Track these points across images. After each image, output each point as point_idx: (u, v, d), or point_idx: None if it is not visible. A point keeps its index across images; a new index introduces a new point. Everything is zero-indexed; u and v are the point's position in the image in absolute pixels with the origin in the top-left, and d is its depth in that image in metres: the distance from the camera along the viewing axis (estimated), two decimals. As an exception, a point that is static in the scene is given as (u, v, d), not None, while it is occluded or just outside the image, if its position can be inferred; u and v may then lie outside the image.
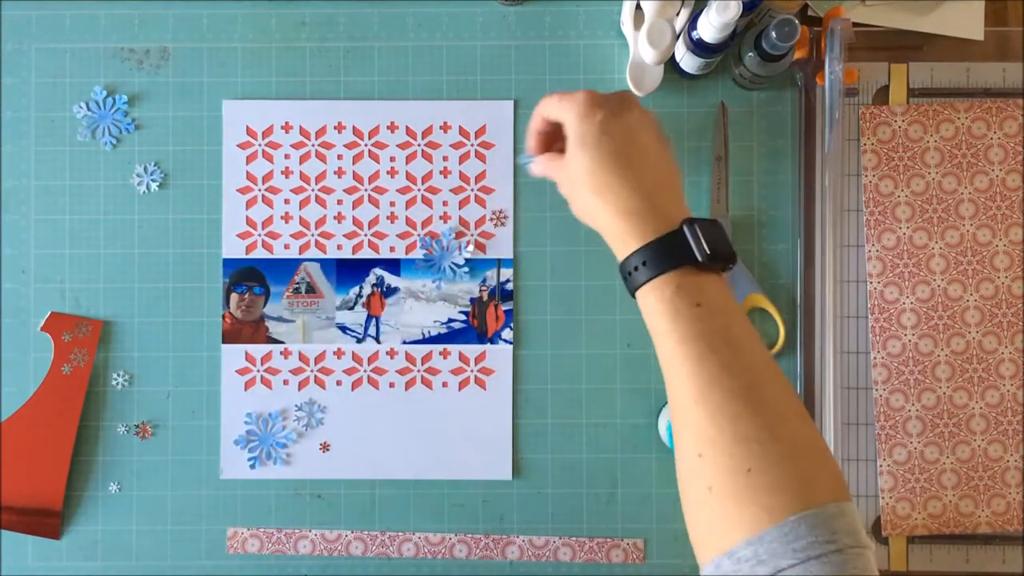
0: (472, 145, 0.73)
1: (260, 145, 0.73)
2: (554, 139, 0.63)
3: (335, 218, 0.73)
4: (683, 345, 0.51)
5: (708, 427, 0.49)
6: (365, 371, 0.73)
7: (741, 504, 0.47)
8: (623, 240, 0.55)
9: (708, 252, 0.53)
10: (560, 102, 0.59)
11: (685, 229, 0.54)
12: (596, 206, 0.57)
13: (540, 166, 0.64)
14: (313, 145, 0.73)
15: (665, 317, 0.52)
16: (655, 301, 0.53)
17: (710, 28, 0.65)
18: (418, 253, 0.73)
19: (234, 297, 0.73)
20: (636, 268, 0.54)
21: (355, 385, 0.73)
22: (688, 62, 0.70)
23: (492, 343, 0.73)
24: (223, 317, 0.73)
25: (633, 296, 0.55)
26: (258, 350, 0.73)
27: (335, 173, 0.73)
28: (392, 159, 0.73)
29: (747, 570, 0.46)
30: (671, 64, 0.72)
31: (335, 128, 0.73)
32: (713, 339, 0.51)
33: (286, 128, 0.73)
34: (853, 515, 0.48)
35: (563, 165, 0.60)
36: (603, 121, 0.57)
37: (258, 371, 0.73)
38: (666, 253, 0.53)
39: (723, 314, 0.53)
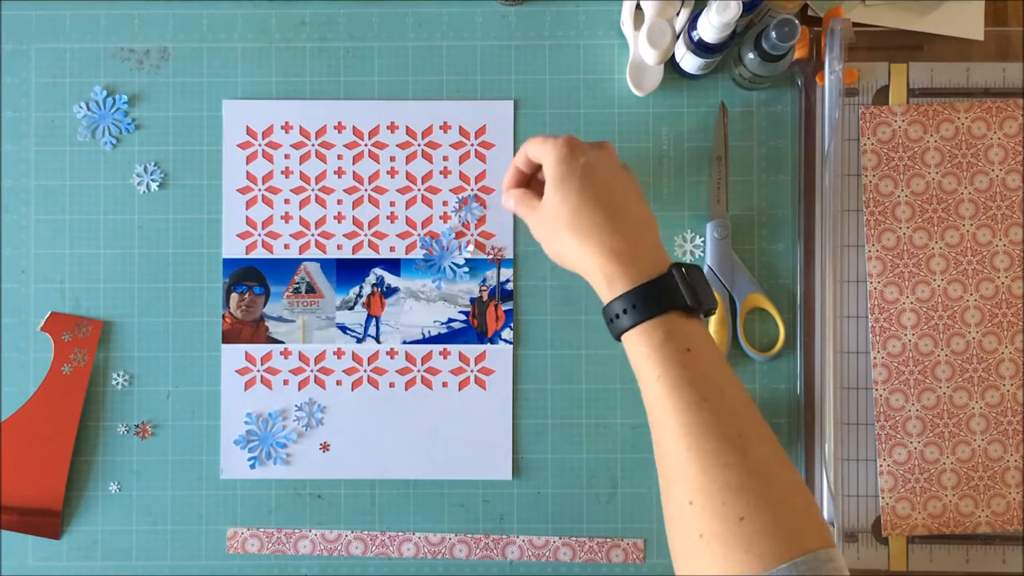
0: (472, 145, 0.73)
1: (260, 145, 0.73)
2: (529, 180, 0.64)
3: (335, 218, 0.73)
4: (674, 391, 0.51)
5: (699, 475, 0.49)
6: (365, 371, 0.73)
7: (734, 552, 0.47)
8: (608, 282, 0.55)
9: (696, 298, 0.54)
10: (543, 144, 0.60)
11: (674, 274, 0.54)
12: (578, 247, 0.57)
13: (514, 202, 0.64)
14: (313, 145, 0.73)
15: (655, 363, 0.52)
16: (644, 346, 0.53)
17: (710, 28, 0.65)
18: (418, 253, 0.73)
19: (234, 297, 0.73)
20: (623, 311, 0.54)
21: (355, 385, 0.73)
22: (688, 62, 0.70)
23: (492, 343, 0.73)
24: (223, 317, 0.73)
25: (617, 339, 0.55)
26: (258, 350, 0.73)
27: (335, 173, 0.73)
28: (392, 159, 0.73)
29: None
30: (671, 64, 0.72)
31: (335, 128, 0.73)
32: (704, 386, 0.51)
33: (286, 128, 0.73)
34: (839, 560, 0.48)
35: (539, 207, 0.60)
36: (585, 165, 0.58)
37: (258, 371, 0.73)
38: (654, 298, 0.54)
39: (712, 360, 0.53)
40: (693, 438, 0.50)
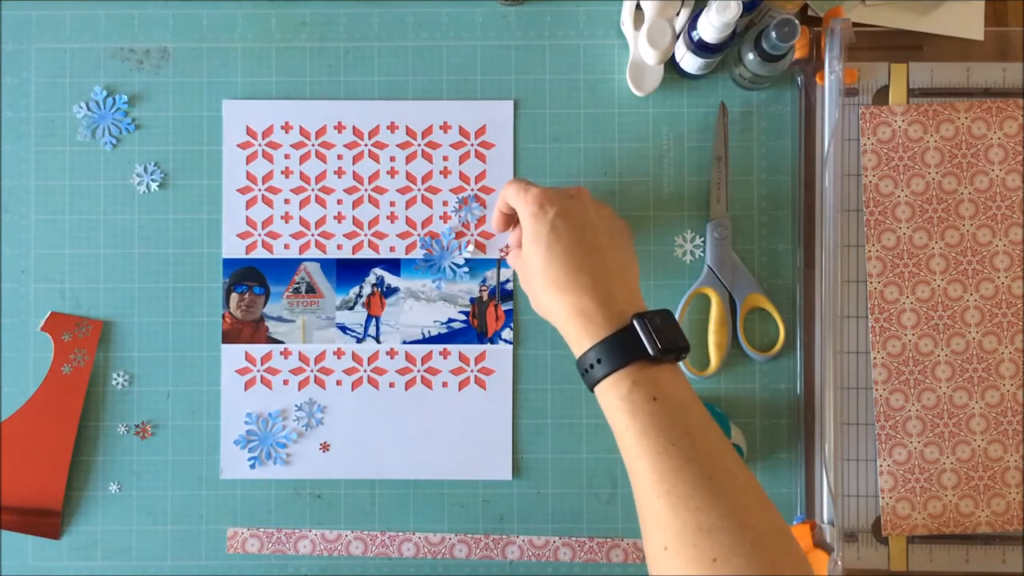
0: (472, 145, 0.73)
1: (260, 145, 0.73)
2: (513, 221, 0.66)
3: (335, 218, 0.73)
4: (643, 439, 0.52)
5: (672, 519, 0.50)
6: (365, 371, 0.73)
7: None
8: (578, 338, 0.57)
9: (660, 346, 0.54)
10: (517, 194, 0.62)
11: (636, 324, 0.55)
12: (551, 304, 0.59)
13: (512, 259, 0.67)
14: (313, 145, 0.73)
15: (624, 413, 0.53)
16: (613, 398, 0.54)
17: (710, 28, 0.65)
18: (418, 253, 0.73)
19: (234, 297, 0.73)
20: (592, 366, 0.55)
21: (355, 385, 0.73)
22: (688, 62, 0.70)
23: (492, 343, 0.73)
24: (223, 317, 0.73)
25: (592, 391, 0.56)
26: (258, 350, 0.73)
27: (335, 173, 0.73)
28: (392, 159, 0.73)
29: None
30: (671, 64, 0.72)
31: (335, 128, 0.73)
32: (672, 431, 0.52)
33: (286, 128, 0.73)
34: None
35: (521, 259, 0.62)
36: (554, 219, 0.59)
37: (258, 371, 0.73)
38: (619, 349, 0.55)
39: (680, 405, 0.54)
40: (664, 484, 0.51)
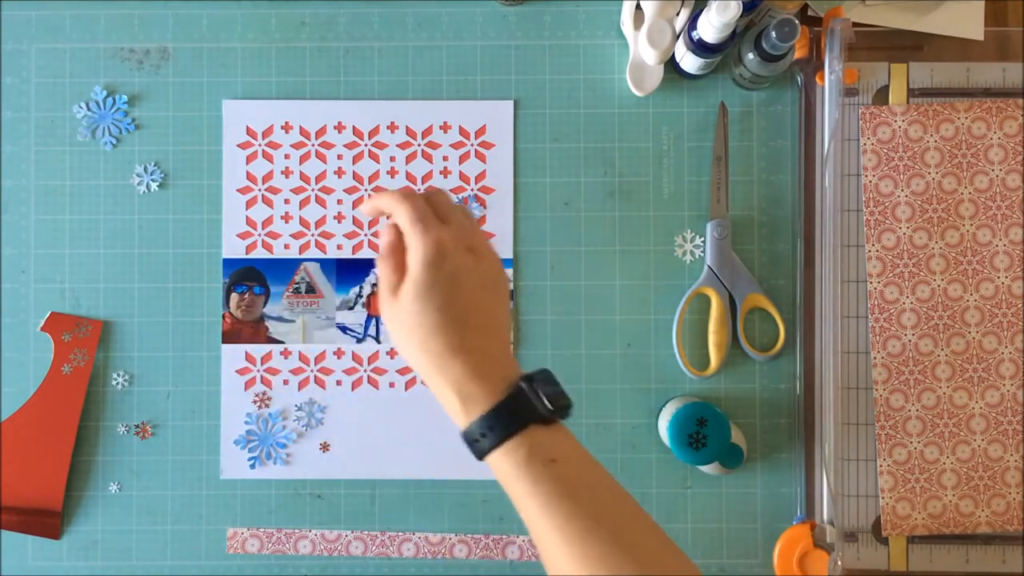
0: (472, 145, 0.73)
1: (260, 145, 0.73)
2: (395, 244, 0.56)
3: (335, 218, 0.73)
4: (549, 507, 0.50)
5: None
6: (365, 371, 0.73)
7: None
8: (463, 409, 0.53)
9: (550, 406, 0.51)
10: (414, 227, 0.53)
11: (524, 387, 0.52)
12: (428, 370, 0.53)
13: (385, 306, 0.56)
14: (313, 145, 0.73)
15: (524, 480, 0.51)
16: (509, 466, 0.51)
17: (710, 28, 0.65)
18: (418, 253, 0.73)
19: (234, 297, 0.73)
20: (482, 435, 0.51)
21: (355, 385, 0.73)
22: (688, 62, 0.70)
23: (492, 343, 0.72)
24: (223, 317, 0.73)
25: (481, 459, 0.53)
26: (258, 350, 0.73)
27: (335, 173, 0.73)
28: (392, 159, 0.73)
29: None
30: (671, 64, 0.72)
31: (335, 128, 0.73)
32: (576, 494, 0.50)
33: (286, 128, 0.73)
34: None
35: (397, 302, 0.53)
36: (450, 276, 0.52)
37: (258, 371, 0.73)
38: (510, 416, 0.51)
39: (579, 465, 0.52)
40: (576, 546, 0.49)
